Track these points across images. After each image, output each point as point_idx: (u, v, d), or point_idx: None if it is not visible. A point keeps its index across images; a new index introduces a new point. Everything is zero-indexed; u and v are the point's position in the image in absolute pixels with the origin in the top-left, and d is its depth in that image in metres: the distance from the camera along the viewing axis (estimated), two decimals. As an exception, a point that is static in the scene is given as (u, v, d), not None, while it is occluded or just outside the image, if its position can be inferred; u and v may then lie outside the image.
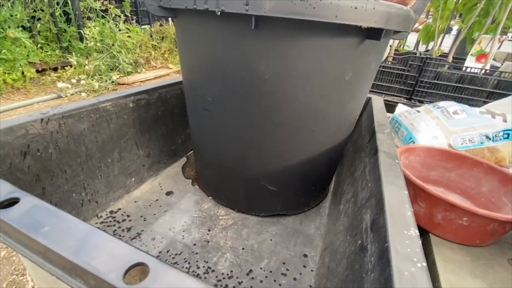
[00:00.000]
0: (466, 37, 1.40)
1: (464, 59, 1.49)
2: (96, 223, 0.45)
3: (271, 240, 0.45)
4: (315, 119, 0.40)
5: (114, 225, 0.45)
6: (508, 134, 0.66)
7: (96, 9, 2.07)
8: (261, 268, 0.40)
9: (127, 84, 2.00)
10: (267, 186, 0.46)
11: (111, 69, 1.96)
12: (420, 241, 0.21)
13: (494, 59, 1.52)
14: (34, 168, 0.36)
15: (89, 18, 2.11)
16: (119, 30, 2.05)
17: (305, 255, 0.43)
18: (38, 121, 0.36)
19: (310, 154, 0.44)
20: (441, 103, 0.81)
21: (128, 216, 0.47)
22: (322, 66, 0.34)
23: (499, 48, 1.63)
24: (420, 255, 0.20)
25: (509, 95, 1.22)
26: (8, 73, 1.57)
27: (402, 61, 1.38)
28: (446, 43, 1.91)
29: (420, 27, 1.53)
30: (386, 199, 0.26)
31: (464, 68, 1.36)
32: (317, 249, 0.44)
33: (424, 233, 0.50)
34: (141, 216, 0.48)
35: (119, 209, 0.49)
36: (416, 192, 0.47)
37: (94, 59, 1.89)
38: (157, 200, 0.52)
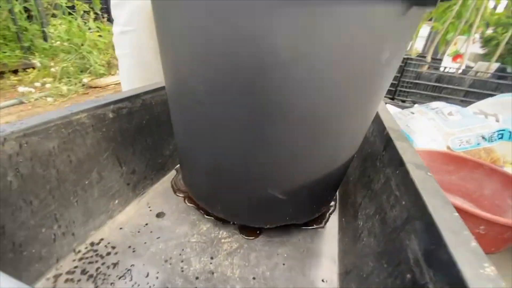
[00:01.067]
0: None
1: (440, 60, 1.55)
2: (74, 260, 0.37)
3: (283, 264, 0.40)
4: (343, 113, 0.32)
5: (97, 261, 0.37)
6: (502, 134, 0.66)
7: (61, 5, 1.89)
8: (277, 301, 0.35)
9: (100, 87, 1.85)
10: (276, 195, 0.40)
11: (81, 71, 1.80)
12: (504, 283, 0.17)
13: (468, 59, 1.59)
14: (-12, 202, 0.28)
15: (54, 15, 1.92)
16: (89, 28, 1.89)
17: (323, 280, 0.38)
18: (-9, 141, 0.28)
19: (329, 159, 0.37)
20: (433, 104, 0.81)
21: (113, 247, 0.40)
22: (356, 44, 0.26)
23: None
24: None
25: (484, 93, 1.28)
26: (-44, 77, 1.38)
27: (386, 62, 1.39)
28: (417, 45, 2.00)
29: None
30: (439, 225, 0.22)
31: (442, 68, 1.41)
32: (333, 272, 0.40)
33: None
34: (129, 247, 0.40)
35: (102, 239, 0.41)
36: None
37: (61, 61, 1.73)
38: (146, 224, 0.45)
